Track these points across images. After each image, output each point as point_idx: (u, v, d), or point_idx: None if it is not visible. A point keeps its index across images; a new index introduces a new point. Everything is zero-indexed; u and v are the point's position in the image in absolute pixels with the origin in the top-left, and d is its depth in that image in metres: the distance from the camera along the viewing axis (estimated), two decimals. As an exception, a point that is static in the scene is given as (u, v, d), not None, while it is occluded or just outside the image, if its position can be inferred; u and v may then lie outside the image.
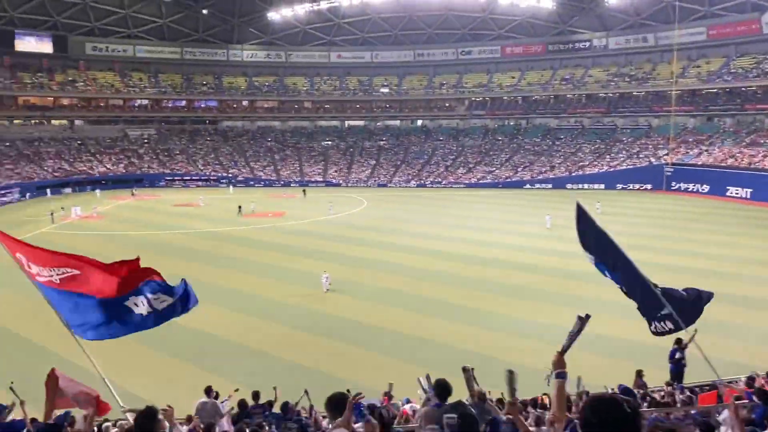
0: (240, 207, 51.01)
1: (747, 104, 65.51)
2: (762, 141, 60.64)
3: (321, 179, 76.15)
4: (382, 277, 29.45)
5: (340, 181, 75.72)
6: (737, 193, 55.96)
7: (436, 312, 23.93)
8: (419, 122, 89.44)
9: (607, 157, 70.73)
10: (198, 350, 20.13)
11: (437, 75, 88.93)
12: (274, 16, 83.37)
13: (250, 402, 11.49)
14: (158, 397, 16.38)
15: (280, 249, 36.40)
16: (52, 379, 6.02)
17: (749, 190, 54.98)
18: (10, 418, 8.02)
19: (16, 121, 76.95)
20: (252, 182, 75.36)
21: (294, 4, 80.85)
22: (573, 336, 4.45)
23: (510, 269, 30.54)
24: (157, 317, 7.32)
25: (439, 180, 73.79)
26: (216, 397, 11.75)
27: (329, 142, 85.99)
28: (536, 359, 17.80)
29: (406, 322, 22.74)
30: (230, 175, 76.16)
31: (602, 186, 65.63)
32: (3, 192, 60.87)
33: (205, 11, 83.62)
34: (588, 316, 4.58)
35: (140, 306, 7.18)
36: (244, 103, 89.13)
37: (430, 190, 70.51)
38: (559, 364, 4.05)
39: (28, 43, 76.76)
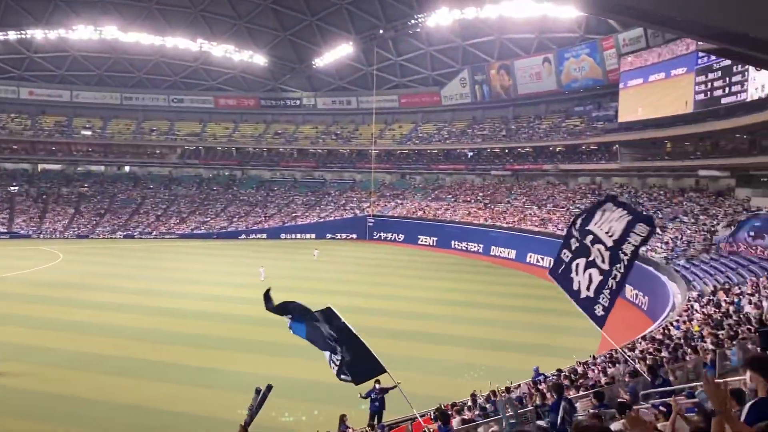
0: None
1: (432, 164, 75.44)
2: (444, 196, 70.20)
3: (5, 230, 66.29)
4: (76, 340, 26.49)
5: (30, 232, 66.84)
6: (426, 242, 63.59)
7: (142, 374, 22.31)
8: (127, 168, 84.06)
9: (318, 208, 74.78)
10: None
11: (147, 120, 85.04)
12: (-55, 40, 71.53)
13: None
14: None
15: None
16: None
17: (435, 239, 62.94)
18: None
19: None
20: None
21: (-27, 30, 70.48)
22: (254, 410, 4.43)
23: (226, 322, 30.03)
24: None
25: (150, 230, 69.85)
26: None
27: (16, 188, 75.66)
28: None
29: (104, 388, 20.72)
30: None
31: (314, 235, 68.90)
32: None
33: None
34: (270, 387, 4.61)
35: None
36: None
37: (139, 241, 66.24)
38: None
39: None
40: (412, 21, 66.46)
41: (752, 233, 33.94)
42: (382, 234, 67.47)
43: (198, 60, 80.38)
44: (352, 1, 69.21)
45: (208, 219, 73.35)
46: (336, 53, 72.92)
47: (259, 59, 77.37)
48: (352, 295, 36.84)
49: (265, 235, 69.42)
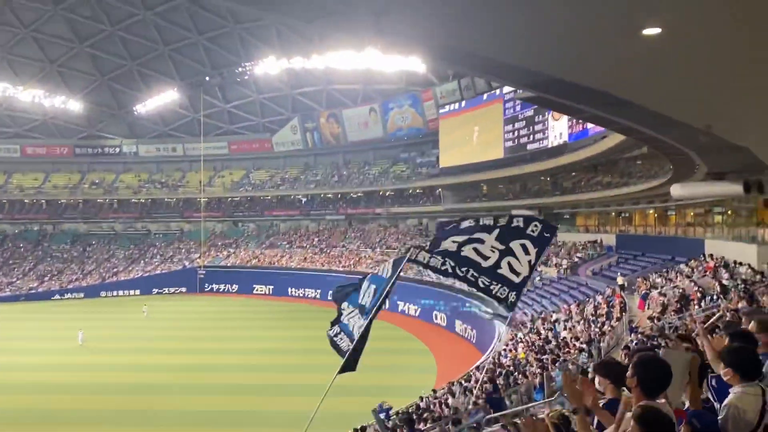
0: None
1: (266, 211, 74.74)
2: (279, 243, 69.66)
3: None
4: None
5: None
6: (261, 290, 62.35)
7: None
8: None
9: (142, 262, 70.38)
10: None
11: (-65, 172, 75.15)
12: None
13: None
14: None
15: None
16: None
17: (271, 287, 61.97)
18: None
19: None
20: None
21: None
22: None
23: (44, 393, 26.92)
24: None
25: (-60, 296, 61.04)
26: None
27: None
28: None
29: None
30: None
31: (138, 291, 64.32)
32: None
33: None
34: None
35: None
36: None
37: (-75, 309, 57.44)
38: None
39: None
40: (240, 69, 66.40)
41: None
42: (214, 285, 65.01)
43: (0, 105, 73.05)
44: (176, 47, 67.59)
45: (15, 280, 65.85)
46: (160, 99, 70.40)
47: (73, 105, 72.13)
48: (184, 353, 35.05)
49: (82, 294, 63.63)
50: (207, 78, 69.46)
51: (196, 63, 69.07)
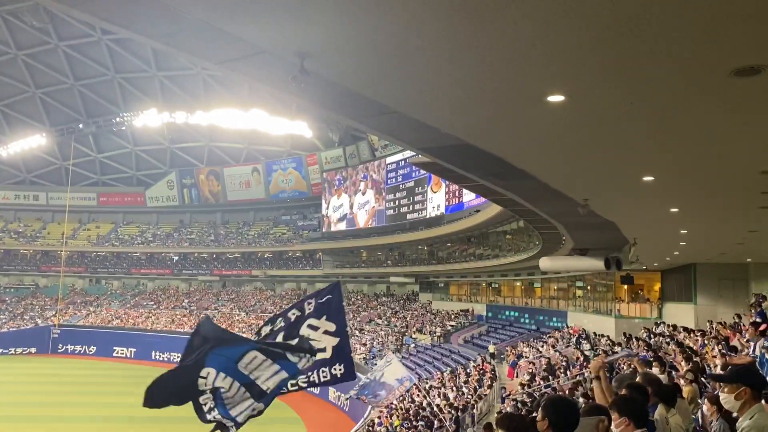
0: None
1: (132, 268, 70.55)
2: (145, 303, 65.67)
3: None
4: None
5: None
6: (122, 353, 57.96)
7: None
8: None
9: (-13, 318, 63.50)
10: None
11: None
12: None
13: None
14: None
15: None
16: None
17: (133, 350, 57.81)
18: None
19: None
20: None
21: None
22: None
23: None
24: None
25: None
26: None
27: None
28: None
29: None
30: None
31: (-21, 352, 57.64)
32: None
33: None
34: None
35: None
36: None
37: None
38: None
39: None
40: (117, 119, 63.82)
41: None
42: (69, 346, 59.64)
43: None
44: (48, 91, 63.91)
45: None
46: (24, 144, 65.64)
47: None
48: (36, 420, 31.63)
49: None
50: (81, 126, 65.91)
51: (69, 109, 65.50)
